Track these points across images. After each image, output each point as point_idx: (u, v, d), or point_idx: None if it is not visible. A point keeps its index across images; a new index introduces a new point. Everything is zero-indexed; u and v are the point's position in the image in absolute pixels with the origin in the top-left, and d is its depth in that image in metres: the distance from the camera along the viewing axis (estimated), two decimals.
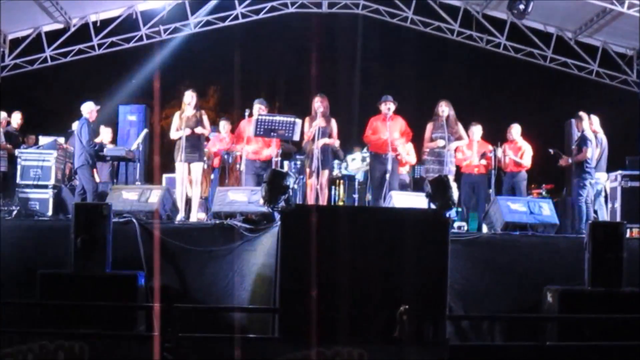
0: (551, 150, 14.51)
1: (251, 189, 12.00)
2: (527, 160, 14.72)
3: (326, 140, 13.01)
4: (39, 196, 13.92)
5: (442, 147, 13.17)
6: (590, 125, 13.62)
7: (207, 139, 13.95)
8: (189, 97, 13.07)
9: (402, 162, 13.78)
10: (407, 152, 13.91)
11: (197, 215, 13.02)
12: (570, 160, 13.53)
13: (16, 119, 15.02)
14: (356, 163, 14.06)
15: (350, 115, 14.31)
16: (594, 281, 10.23)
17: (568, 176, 14.97)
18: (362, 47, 18.95)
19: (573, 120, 15.06)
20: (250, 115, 13.41)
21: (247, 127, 13.29)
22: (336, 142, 13.22)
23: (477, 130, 14.56)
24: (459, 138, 13.50)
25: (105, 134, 15.06)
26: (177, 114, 13.05)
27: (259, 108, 13.32)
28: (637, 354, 7.57)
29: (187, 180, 12.98)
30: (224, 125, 14.81)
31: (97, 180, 14.30)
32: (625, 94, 18.67)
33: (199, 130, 12.92)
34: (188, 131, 12.77)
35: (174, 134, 12.98)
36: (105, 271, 10.07)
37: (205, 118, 13.14)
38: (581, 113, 13.72)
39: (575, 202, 13.22)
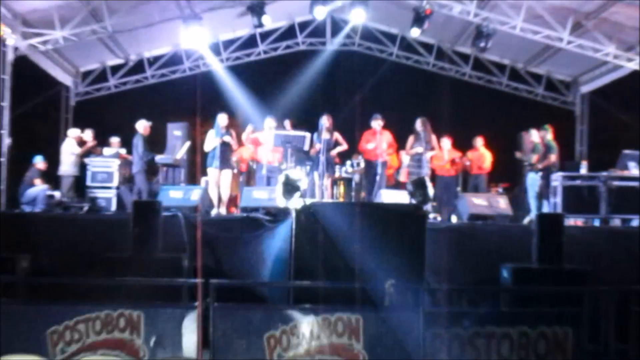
0: (518, 154, 14.53)
1: (271, 188, 11.99)
2: (487, 165, 14.71)
3: (338, 149, 13.03)
4: (104, 195, 13.93)
5: (420, 153, 13.19)
6: (545, 136, 13.58)
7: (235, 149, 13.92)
8: (222, 118, 13.06)
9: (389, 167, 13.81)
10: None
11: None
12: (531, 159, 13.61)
13: (88, 135, 15.00)
14: (349, 169, 14.02)
15: (349, 130, 14.31)
16: (541, 260, 10.19)
17: (521, 176, 14.94)
18: (357, 76, 18.95)
19: (523, 133, 15.05)
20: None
21: (261, 137, 13.34)
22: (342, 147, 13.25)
23: (447, 142, 14.55)
24: (433, 147, 13.51)
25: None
26: (211, 131, 13.02)
27: (269, 121, 13.34)
28: (574, 319, 7.53)
29: (220, 182, 12.95)
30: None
31: (161, 180, 14.29)
32: (564, 112, 18.66)
33: (226, 138, 12.89)
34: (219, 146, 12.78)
35: (208, 147, 12.95)
36: (156, 254, 10.08)
37: (233, 136, 13.12)
38: (547, 126, 13.68)
39: (547, 198, 13.13)
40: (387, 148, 13.46)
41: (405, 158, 13.78)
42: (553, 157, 13.35)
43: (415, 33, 16.06)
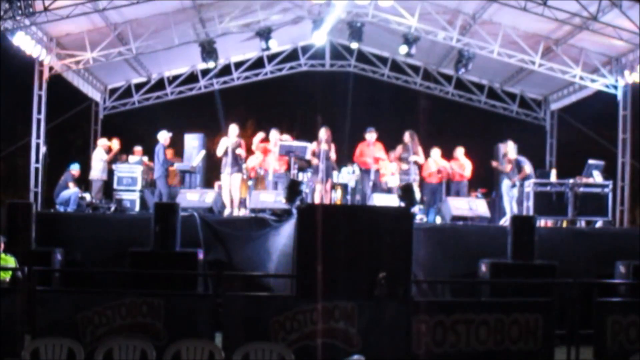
0: (494, 164, 14.56)
1: (277, 192, 12.02)
2: (468, 173, 14.72)
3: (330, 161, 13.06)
4: (129, 197, 13.95)
5: (408, 168, 13.29)
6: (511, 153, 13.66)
7: (246, 158, 13.90)
8: (233, 129, 13.09)
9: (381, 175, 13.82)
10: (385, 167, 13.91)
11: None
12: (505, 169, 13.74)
13: (115, 144, 15.01)
14: (346, 175, 14.00)
15: (345, 141, 14.37)
16: (514, 256, 10.27)
17: (497, 184, 14.96)
18: (353, 93, 18.99)
19: (499, 145, 15.07)
20: (267, 140, 13.50)
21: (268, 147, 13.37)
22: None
23: (436, 152, 14.50)
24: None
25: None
26: (224, 139, 13.05)
27: (274, 133, 13.38)
28: (544, 307, 7.56)
29: (232, 186, 12.93)
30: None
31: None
32: (536, 127, 18.69)
33: (238, 151, 12.92)
34: (231, 153, 12.80)
35: (220, 153, 12.97)
36: (175, 249, 10.12)
37: (242, 144, 13.14)
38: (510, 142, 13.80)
39: (521, 202, 13.17)
40: (379, 157, 13.48)
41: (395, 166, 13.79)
42: (527, 169, 13.41)
43: (403, 50, 15.94)
